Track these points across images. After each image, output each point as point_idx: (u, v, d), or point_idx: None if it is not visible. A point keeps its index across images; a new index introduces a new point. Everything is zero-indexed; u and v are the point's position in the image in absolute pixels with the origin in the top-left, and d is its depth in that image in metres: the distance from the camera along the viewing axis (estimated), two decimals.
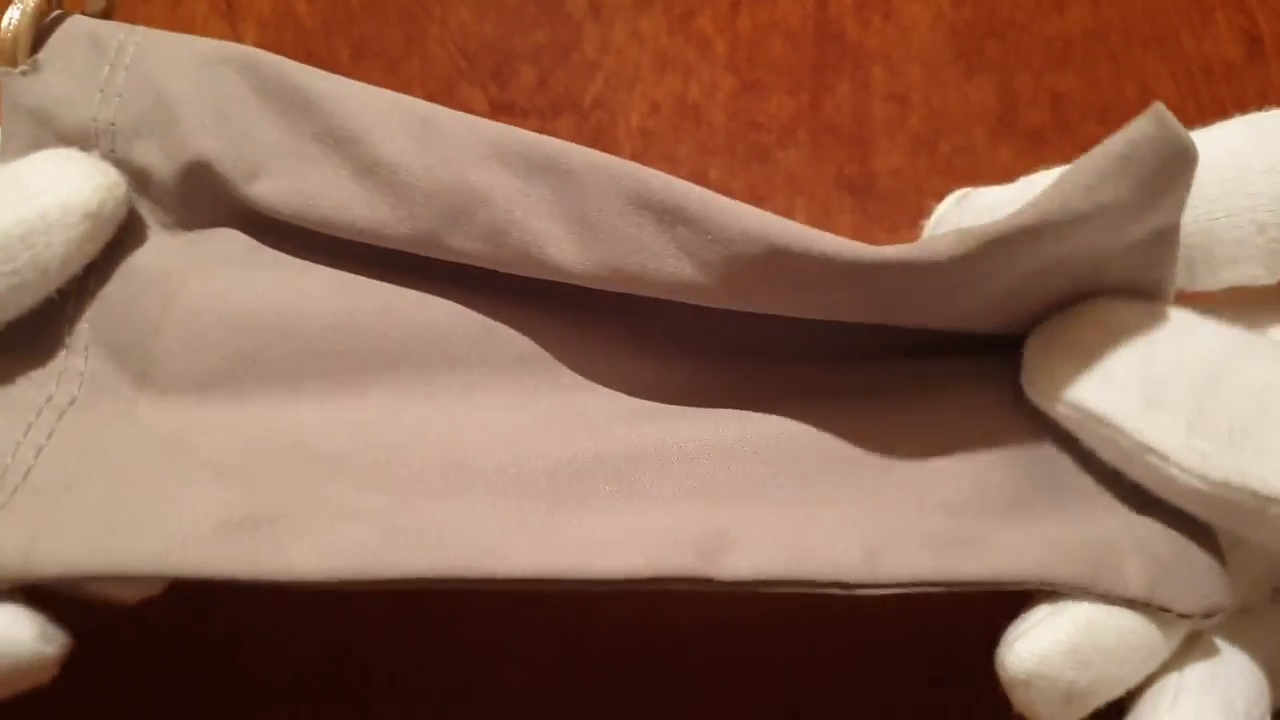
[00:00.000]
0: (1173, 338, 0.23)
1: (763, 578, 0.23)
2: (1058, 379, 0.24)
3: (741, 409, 0.25)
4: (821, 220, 0.37)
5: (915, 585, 0.23)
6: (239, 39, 0.41)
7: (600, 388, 0.26)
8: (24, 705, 0.22)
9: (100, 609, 0.24)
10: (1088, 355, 0.23)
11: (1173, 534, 0.23)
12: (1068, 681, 0.22)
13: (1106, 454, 0.24)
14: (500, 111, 0.39)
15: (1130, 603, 0.22)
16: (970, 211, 0.24)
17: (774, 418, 0.25)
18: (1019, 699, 0.23)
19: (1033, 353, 0.24)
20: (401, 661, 0.29)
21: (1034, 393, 0.24)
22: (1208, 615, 0.22)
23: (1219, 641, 0.23)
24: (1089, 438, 0.24)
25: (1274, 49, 0.41)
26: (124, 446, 0.24)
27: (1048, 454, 0.25)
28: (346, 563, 0.22)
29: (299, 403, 0.25)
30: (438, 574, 0.22)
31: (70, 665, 0.27)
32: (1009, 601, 0.24)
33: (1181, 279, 0.24)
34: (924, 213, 0.37)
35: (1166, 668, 0.23)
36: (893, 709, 0.29)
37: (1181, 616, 0.22)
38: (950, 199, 0.25)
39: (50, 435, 0.24)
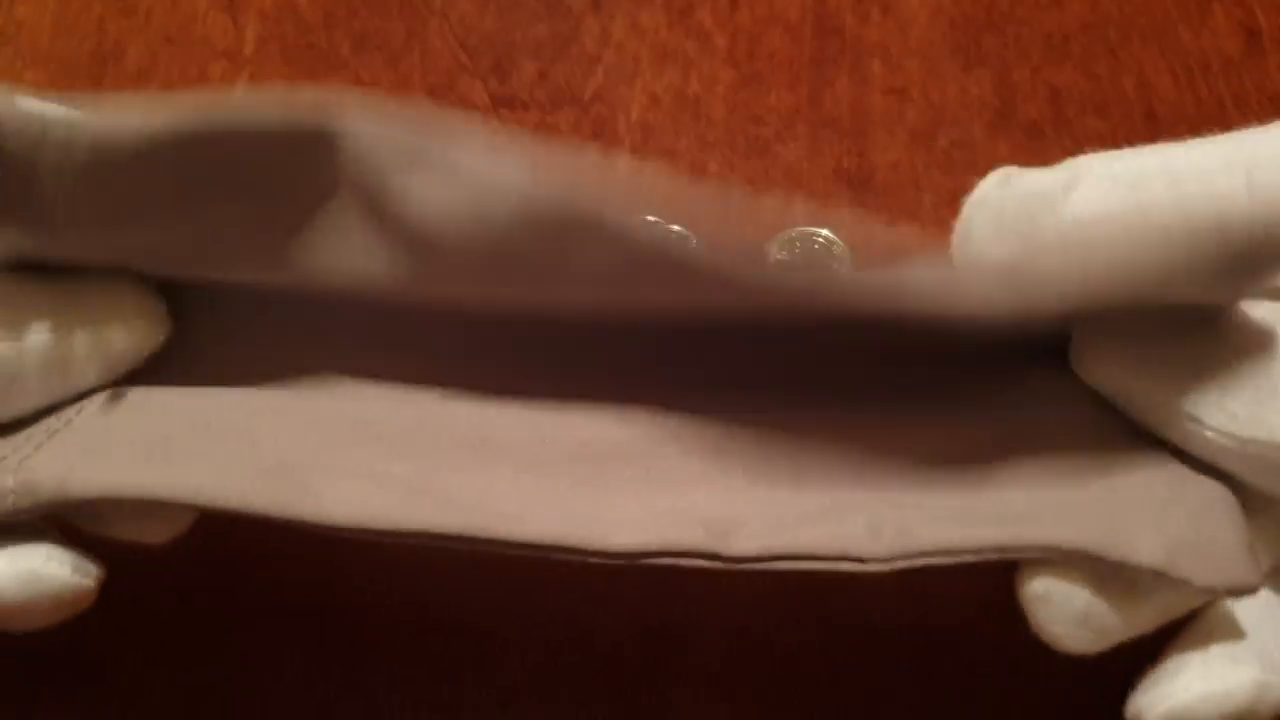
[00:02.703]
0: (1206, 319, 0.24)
1: (770, 554, 0.23)
2: (1106, 358, 0.24)
3: (749, 412, 0.26)
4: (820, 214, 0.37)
5: (920, 556, 0.23)
6: (240, 31, 0.41)
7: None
8: None
9: (125, 550, 0.25)
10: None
11: (1194, 507, 0.23)
12: None
13: (1145, 419, 0.24)
14: (501, 105, 0.39)
15: (1143, 570, 0.22)
16: (1015, 195, 0.23)
17: (783, 415, 0.26)
18: None
19: (1085, 337, 0.25)
20: (404, 646, 0.29)
21: (1085, 371, 0.25)
22: (1231, 592, 0.22)
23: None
24: (1130, 405, 0.24)
25: (1272, 42, 0.41)
26: (164, 402, 0.25)
27: (1054, 428, 0.25)
28: (373, 513, 0.23)
29: (333, 374, 0.26)
30: (458, 531, 0.23)
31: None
32: (1007, 594, 0.24)
33: (1232, 291, 0.23)
34: (922, 206, 0.37)
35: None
36: (891, 696, 0.29)
37: (1202, 590, 0.22)
38: (992, 179, 0.23)
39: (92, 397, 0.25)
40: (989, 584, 0.24)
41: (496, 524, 0.24)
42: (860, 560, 0.23)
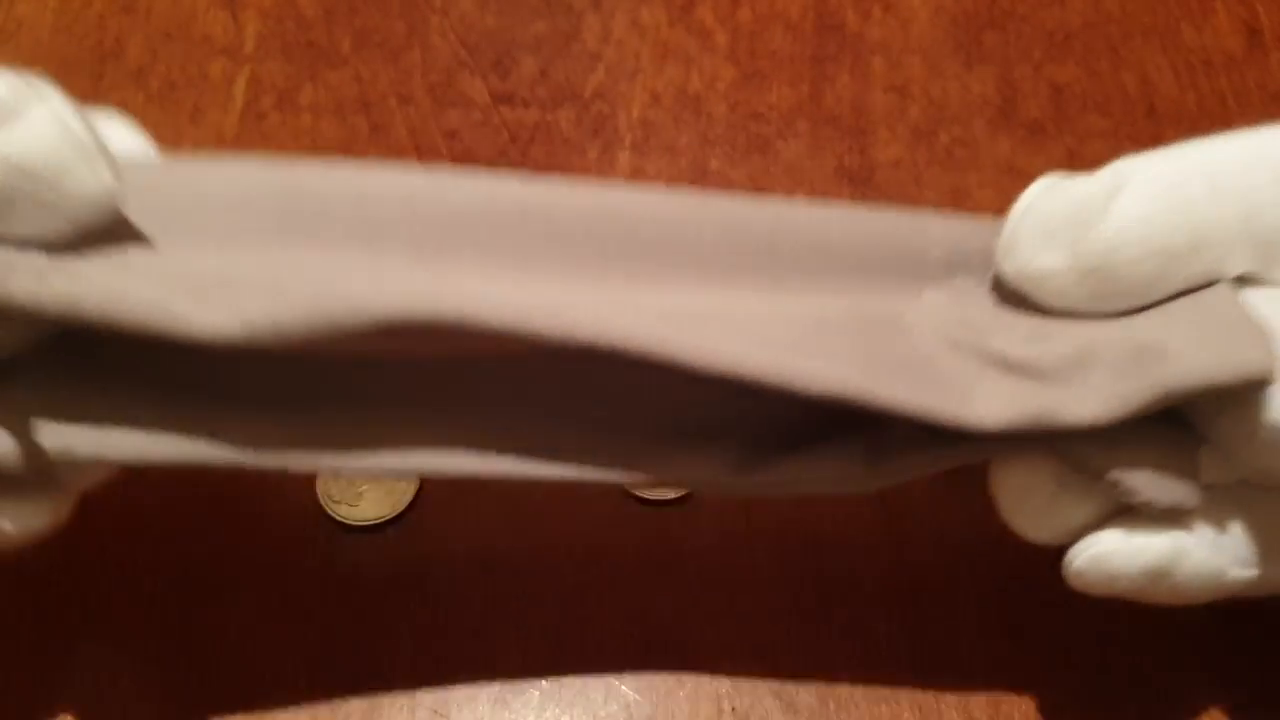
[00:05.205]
0: None
1: (771, 483, 0.24)
2: None
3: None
4: None
5: (903, 472, 0.25)
6: (240, 28, 0.41)
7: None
8: None
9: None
10: None
11: (1152, 432, 0.24)
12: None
13: None
14: (501, 102, 0.39)
15: (1094, 486, 0.24)
16: (1062, 203, 0.24)
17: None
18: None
19: None
20: (403, 646, 0.29)
21: None
22: (1169, 510, 0.24)
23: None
24: None
25: (1274, 40, 0.41)
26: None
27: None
28: (411, 461, 0.24)
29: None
30: (489, 474, 0.24)
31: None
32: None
33: (1258, 269, 0.24)
34: (924, 203, 0.37)
35: None
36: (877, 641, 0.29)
37: (1145, 503, 0.24)
38: (1037, 187, 0.25)
39: None
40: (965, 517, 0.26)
41: (528, 465, 0.24)
42: (851, 482, 0.25)
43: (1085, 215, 0.24)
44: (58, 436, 0.23)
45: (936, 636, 0.30)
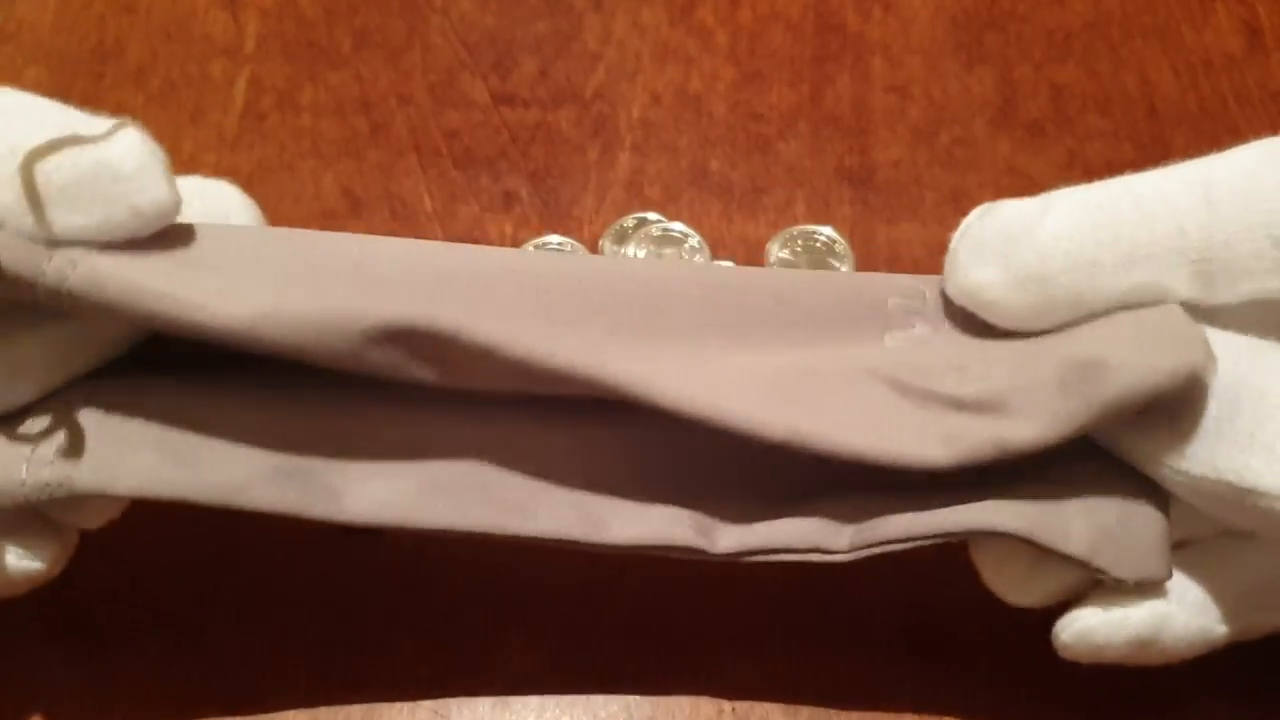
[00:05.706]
0: None
1: (747, 549, 0.25)
2: None
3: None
4: (822, 211, 0.37)
5: (878, 545, 0.25)
6: (240, 28, 0.41)
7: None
8: None
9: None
10: None
11: (1124, 506, 0.24)
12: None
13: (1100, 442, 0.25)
14: (501, 103, 0.39)
15: (1069, 560, 0.24)
16: (994, 223, 0.25)
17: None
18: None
19: None
20: (403, 647, 0.29)
21: None
22: (1141, 584, 0.24)
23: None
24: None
25: (1274, 41, 0.41)
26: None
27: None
28: (392, 512, 0.25)
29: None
30: (470, 528, 0.25)
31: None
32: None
33: (1200, 293, 0.25)
34: (924, 204, 0.37)
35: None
36: (890, 691, 0.29)
37: (1118, 581, 0.24)
38: (974, 213, 0.26)
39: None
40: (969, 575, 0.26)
41: (507, 520, 0.25)
42: (827, 552, 0.25)
43: (1016, 231, 0.25)
44: (65, 471, 0.24)
45: (936, 637, 0.30)
